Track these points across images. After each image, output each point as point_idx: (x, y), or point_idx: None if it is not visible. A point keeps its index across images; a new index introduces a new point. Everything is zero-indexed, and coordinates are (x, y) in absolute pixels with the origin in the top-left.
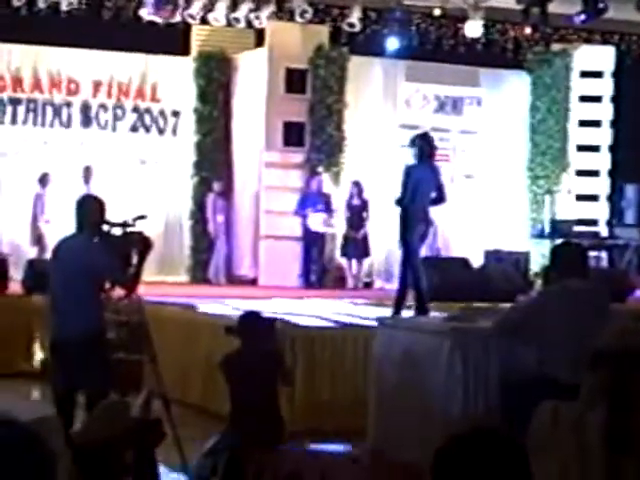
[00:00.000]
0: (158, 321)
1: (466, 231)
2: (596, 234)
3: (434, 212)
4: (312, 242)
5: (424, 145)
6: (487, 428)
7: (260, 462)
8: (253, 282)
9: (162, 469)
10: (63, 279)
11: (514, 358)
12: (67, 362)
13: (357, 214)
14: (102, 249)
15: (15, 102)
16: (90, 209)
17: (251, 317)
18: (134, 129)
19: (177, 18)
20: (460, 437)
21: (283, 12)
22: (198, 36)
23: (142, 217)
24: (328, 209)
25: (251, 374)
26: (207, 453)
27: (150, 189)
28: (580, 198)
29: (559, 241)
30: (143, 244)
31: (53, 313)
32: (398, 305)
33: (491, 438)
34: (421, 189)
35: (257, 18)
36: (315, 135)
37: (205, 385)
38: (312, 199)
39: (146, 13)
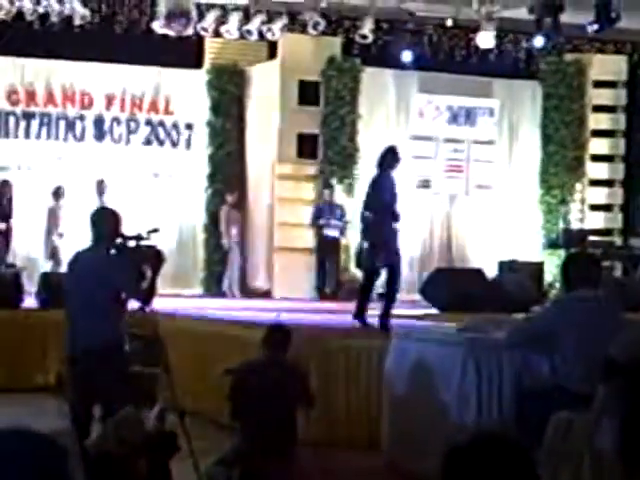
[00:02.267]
0: (172, 334)
1: (480, 241)
2: (610, 244)
3: (453, 222)
4: (326, 253)
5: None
6: (491, 434)
7: (276, 473)
8: (267, 294)
9: None
10: (81, 292)
11: (528, 368)
12: (85, 375)
13: None
14: (119, 262)
15: (29, 116)
16: (106, 222)
17: (277, 328)
18: (148, 142)
19: (190, 31)
20: (463, 445)
21: (295, 24)
22: (211, 49)
23: (156, 230)
24: (342, 220)
25: (273, 385)
26: (218, 462)
27: (164, 202)
28: (594, 208)
29: (571, 251)
30: (156, 258)
31: (71, 326)
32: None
33: (498, 445)
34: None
35: (270, 30)
36: (328, 147)
37: (220, 397)
38: (326, 210)
39: (159, 26)
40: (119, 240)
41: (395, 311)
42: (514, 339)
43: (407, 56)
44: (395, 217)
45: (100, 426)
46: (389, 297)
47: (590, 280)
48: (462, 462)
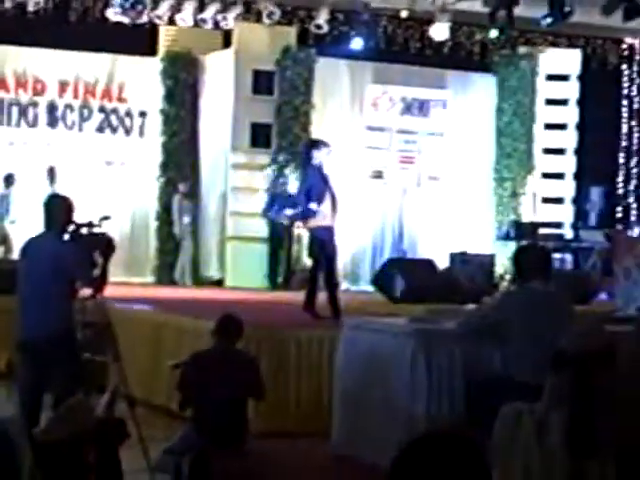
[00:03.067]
0: (124, 322)
1: (432, 233)
2: (561, 236)
3: (405, 213)
4: (278, 243)
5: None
6: (444, 430)
7: (226, 463)
8: (219, 283)
9: (125, 468)
10: (33, 279)
11: (478, 359)
12: (36, 362)
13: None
14: (72, 249)
15: None
16: (59, 208)
17: (229, 318)
18: (101, 129)
19: (144, 19)
20: (416, 442)
21: (250, 13)
22: (165, 37)
23: (107, 218)
24: (294, 209)
25: (223, 375)
26: (168, 450)
27: (116, 190)
28: (545, 201)
29: (522, 243)
30: (106, 245)
31: (22, 313)
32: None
33: (448, 440)
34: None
35: (224, 19)
36: (282, 136)
37: (170, 386)
38: (279, 200)
39: (113, 13)
40: (71, 227)
41: (348, 302)
42: (464, 329)
43: (359, 44)
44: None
45: (50, 414)
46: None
47: (541, 272)
48: (414, 458)
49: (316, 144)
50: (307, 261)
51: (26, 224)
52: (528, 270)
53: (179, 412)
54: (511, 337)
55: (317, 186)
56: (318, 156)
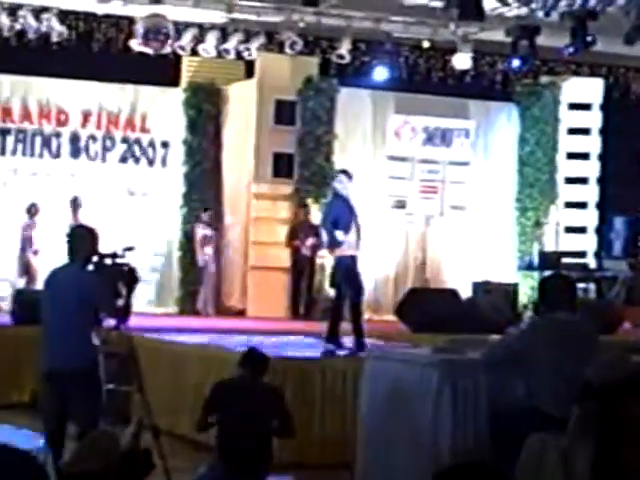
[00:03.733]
0: (147, 352)
1: (455, 262)
2: (584, 266)
3: (428, 243)
4: (301, 273)
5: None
6: (472, 461)
7: None
8: (242, 313)
9: None
10: (57, 309)
11: (503, 390)
12: (61, 392)
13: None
14: (96, 280)
15: (4, 132)
16: (83, 239)
17: (254, 352)
18: (123, 160)
19: (167, 49)
20: (442, 473)
21: (273, 44)
22: (188, 67)
23: (131, 248)
24: (317, 240)
25: (250, 406)
26: None
27: (139, 220)
28: (568, 230)
29: (547, 273)
30: (131, 276)
31: (47, 343)
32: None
33: (476, 471)
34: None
35: (247, 50)
36: (304, 166)
37: (194, 416)
38: (301, 230)
39: (136, 44)
40: (95, 258)
41: (369, 331)
42: (489, 359)
43: (383, 75)
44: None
45: (75, 444)
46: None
47: (566, 302)
48: None
49: (348, 174)
50: (329, 291)
51: (49, 255)
52: (553, 300)
53: (196, 431)
54: (536, 368)
55: (344, 216)
56: (348, 186)
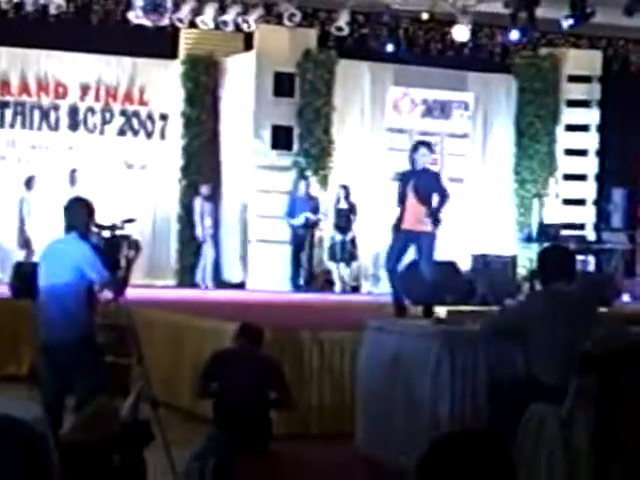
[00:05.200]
0: (146, 324)
1: (454, 235)
2: (583, 238)
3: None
4: (300, 246)
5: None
6: (469, 429)
7: (249, 465)
8: (241, 286)
9: (150, 471)
10: (52, 282)
11: (502, 360)
12: (58, 364)
13: (344, 218)
14: (92, 252)
15: (3, 105)
16: (79, 211)
17: (249, 325)
18: (122, 132)
19: (165, 21)
20: (442, 440)
21: (271, 16)
22: (186, 39)
23: (131, 220)
24: (316, 212)
25: (248, 376)
26: (196, 456)
27: (138, 193)
28: (567, 202)
29: (546, 245)
30: (132, 247)
31: (43, 316)
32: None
33: (473, 439)
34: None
35: (245, 22)
36: (303, 139)
37: (192, 388)
38: (300, 202)
39: (134, 16)
40: (94, 230)
41: (369, 304)
42: (488, 331)
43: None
44: None
45: (73, 416)
46: None
47: (564, 273)
48: (439, 457)
49: (429, 146)
50: (328, 264)
51: (48, 227)
52: (552, 271)
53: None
54: (534, 338)
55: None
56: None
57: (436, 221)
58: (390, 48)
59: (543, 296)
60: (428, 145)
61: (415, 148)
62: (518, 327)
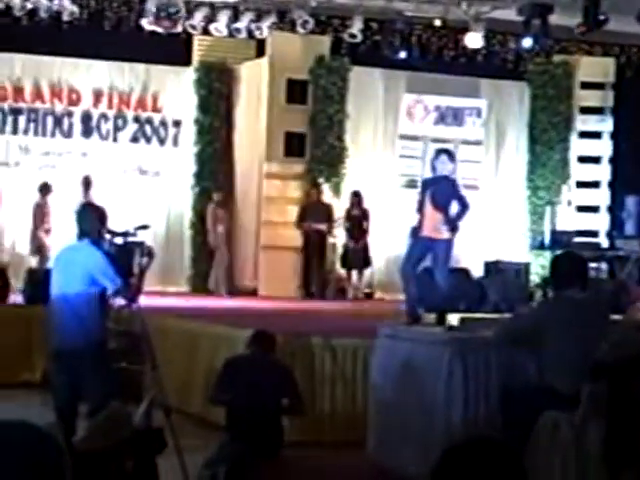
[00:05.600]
0: (159, 331)
1: (466, 242)
2: (596, 245)
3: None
4: (312, 253)
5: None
6: (482, 437)
7: (261, 472)
8: (253, 293)
9: (162, 477)
10: (66, 289)
11: (514, 367)
12: (70, 371)
13: (357, 224)
14: (105, 258)
15: (16, 112)
16: (91, 218)
17: (262, 333)
18: (135, 139)
19: (179, 28)
20: (456, 448)
21: (284, 23)
22: (199, 46)
23: (144, 227)
24: (329, 219)
25: (261, 382)
26: (207, 464)
27: (151, 199)
28: (581, 209)
29: (559, 252)
30: (145, 254)
31: (56, 322)
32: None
33: (486, 447)
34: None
35: (258, 29)
36: (316, 145)
37: (206, 394)
38: (313, 210)
39: (147, 23)
40: (107, 236)
41: (381, 310)
42: (501, 337)
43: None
44: None
45: (87, 423)
46: None
47: (577, 280)
48: (454, 465)
49: (451, 154)
50: (341, 271)
51: (61, 234)
52: (565, 278)
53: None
54: (547, 345)
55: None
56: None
57: (454, 229)
58: (403, 55)
59: (555, 303)
60: (449, 153)
61: (436, 155)
62: (530, 334)
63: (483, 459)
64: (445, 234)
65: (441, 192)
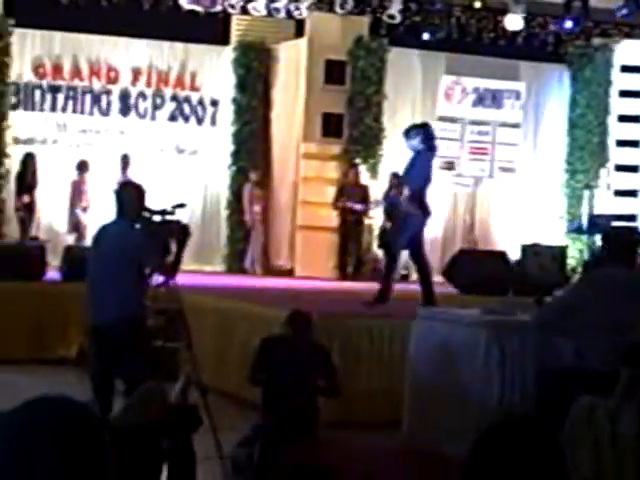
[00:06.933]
0: (195, 309)
1: (504, 224)
2: (635, 230)
3: (477, 205)
4: (349, 233)
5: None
6: (521, 417)
7: (295, 452)
8: (289, 273)
9: (198, 455)
10: (104, 265)
11: (550, 350)
12: (107, 348)
13: (395, 206)
14: (143, 236)
15: (55, 89)
16: (130, 196)
17: (299, 313)
18: (173, 118)
19: (217, 7)
20: (494, 428)
21: (323, 3)
22: (238, 26)
23: (182, 205)
24: (365, 201)
25: (297, 362)
26: (242, 442)
27: (188, 178)
28: (619, 193)
29: (596, 237)
30: (182, 232)
31: (93, 299)
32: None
33: (525, 427)
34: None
35: (297, 9)
36: (353, 126)
37: (241, 373)
38: (349, 190)
39: (186, 2)
40: (145, 214)
41: (417, 292)
42: (544, 317)
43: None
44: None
45: (123, 400)
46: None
47: (627, 256)
48: (495, 442)
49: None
50: (377, 251)
51: (98, 211)
52: (616, 251)
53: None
54: (588, 324)
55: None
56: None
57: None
58: (442, 36)
59: (600, 278)
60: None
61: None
62: (572, 308)
63: (521, 439)
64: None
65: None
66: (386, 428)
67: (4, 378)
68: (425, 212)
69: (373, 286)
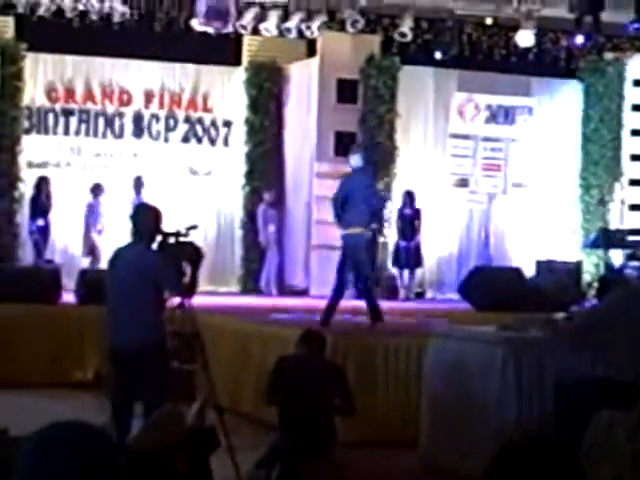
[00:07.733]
0: (210, 331)
1: (518, 241)
2: None
3: (491, 221)
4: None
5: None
6: (537, 436)
7: (314, 472)
8: (304, 292)
9: (215, 477)
10: (122, 289)
11: (568, 365)
12: (127, 371)
13: (409, 224)
14: (161, 258)
15: (68, 113)
16: (146, 219)
17: (313, 333)
18: (186, 139)
19: (229, 28)
20: (512, 447)
21: (334, 22)
22: (250, 46)
23: (194, 227)
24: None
25: (312, 382)
26: (260, 463)
27: (201, 199)
28: (633, 208)
29: (611, 252)
30: (196, 254)
31: (112, 322)
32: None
33: (543, 446)
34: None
35: (308, 28)
36: None
37: (257, 394)
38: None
39: (198, 23)
40: (159, 237)
41: (432, 310)
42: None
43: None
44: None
45: (141, 422)
46: None
47: None
48: (512, 461)
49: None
50: (392, 269)
51: (113, 234)
52: None
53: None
54: (619, 335)
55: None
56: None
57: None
58: (454, 54)
59: (629, 296)
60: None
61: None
62: (604, 320)
63: (539, 458)
64: None
65: None
66: (403, 447)
67: (21, 402)
68: None
69: (389, 304)
